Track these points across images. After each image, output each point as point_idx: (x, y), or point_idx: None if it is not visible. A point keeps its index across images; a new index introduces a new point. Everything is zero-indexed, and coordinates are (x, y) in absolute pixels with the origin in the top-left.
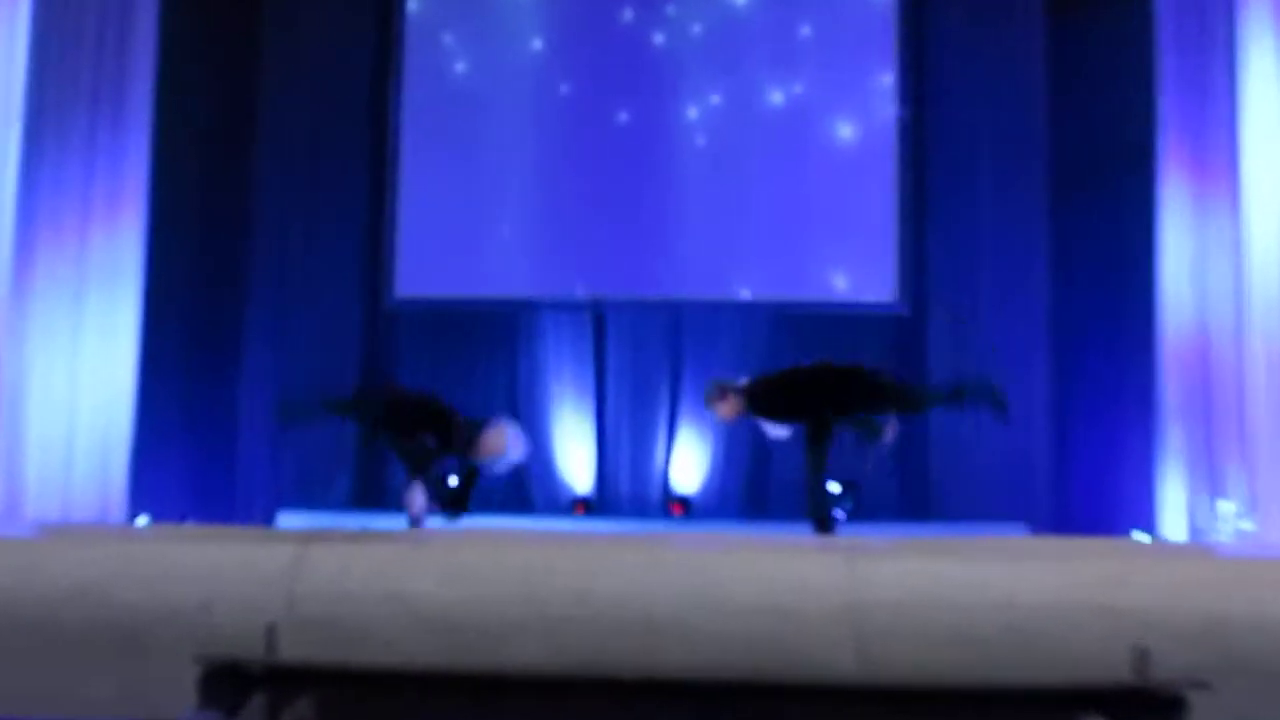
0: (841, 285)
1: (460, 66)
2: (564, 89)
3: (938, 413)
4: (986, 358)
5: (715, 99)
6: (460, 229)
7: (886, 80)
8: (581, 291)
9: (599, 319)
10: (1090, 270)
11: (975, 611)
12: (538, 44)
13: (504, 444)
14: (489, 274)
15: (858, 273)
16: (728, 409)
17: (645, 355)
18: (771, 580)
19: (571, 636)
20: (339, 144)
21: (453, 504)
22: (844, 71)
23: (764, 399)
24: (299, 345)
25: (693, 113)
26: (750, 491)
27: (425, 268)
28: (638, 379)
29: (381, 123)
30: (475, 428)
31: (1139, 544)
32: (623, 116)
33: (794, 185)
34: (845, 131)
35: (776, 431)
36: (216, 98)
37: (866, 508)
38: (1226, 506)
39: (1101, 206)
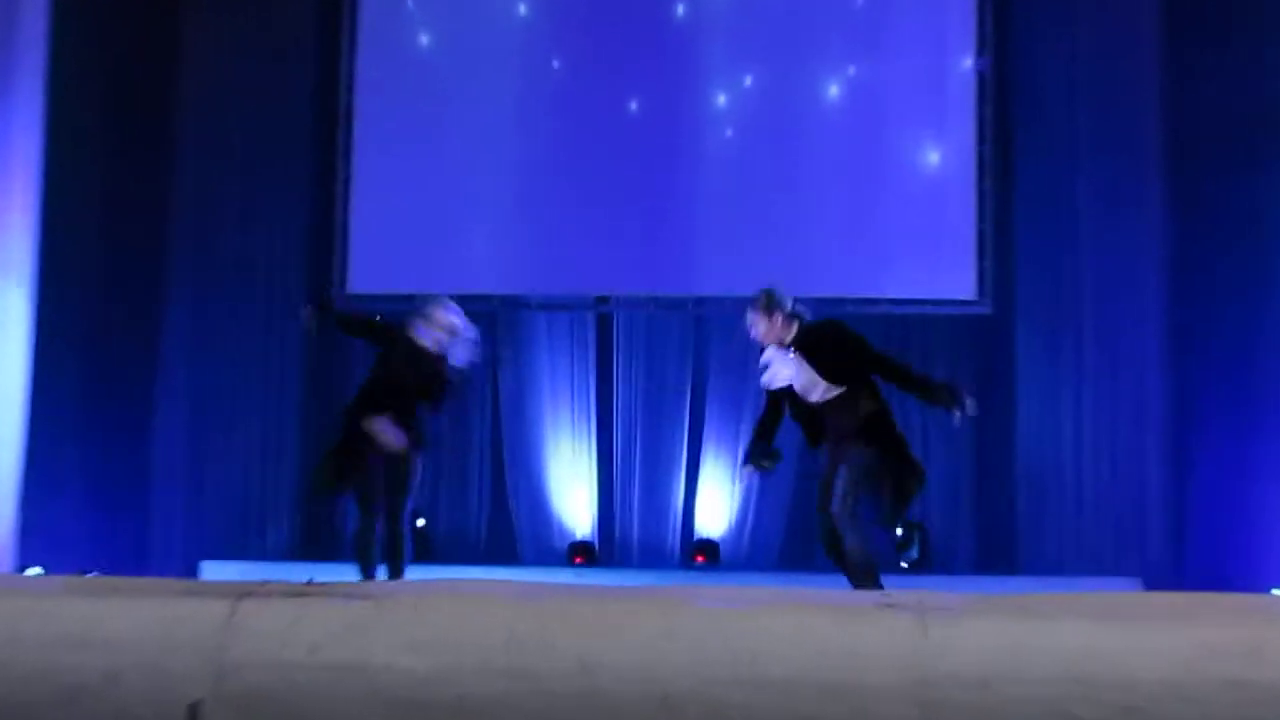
0: (913, 282)
1: (425, 37)
2: (556, 64)
3: (1025, 445)
4: (1082, 364)
5: (748, 80)
6: (424, 219)
7: (961, 32)
8: (582, 288)
9: (605, 320)
10: (1218, 262)
11: (1078, 688)
12: (522, 9)
13: (452, 318)
14: (461, 269)
15: (931, 268)
16: (769, 330)
17: (661, 365)
18: (819, 648)
19: (571, 717)
20: (278, 123)
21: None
22: (910, 33)
23: (817, 343)
24: (229, 357)
25: (721, 99)
26: (791, 536)
27: (381, 263)
28: (651, 394)
29: (330, 98)
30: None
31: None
32: (633, 104)
33: (847, 167)
34: (910, 99)
35: (808, 381)
36: (125, 66)
37: (938, 556)
38: None
39: (1231, 183)
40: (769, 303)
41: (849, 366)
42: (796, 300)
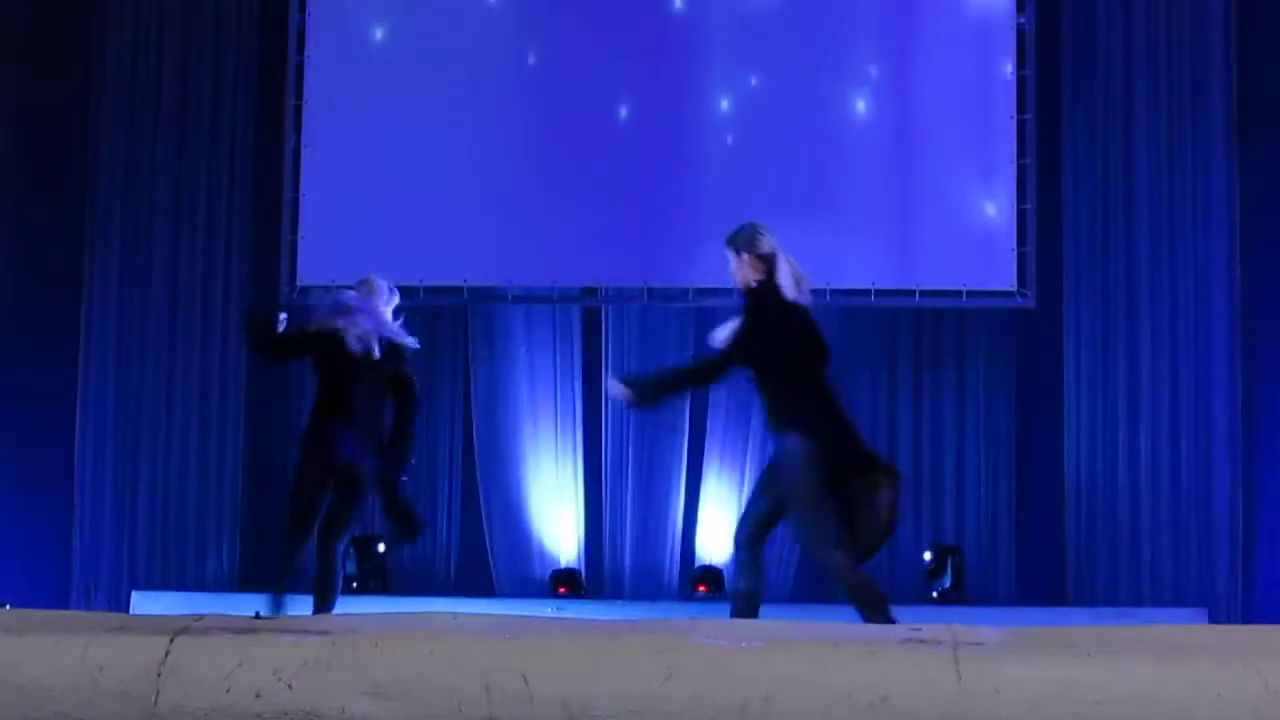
0: (945, 271)
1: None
2: (541, 36)
3: (1073, 458)
4: (1136, 363)
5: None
6: (383, 200)
7: None
8: (567, 278)
9: (592, 315)
10: None
11: None
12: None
13: (340, 300)
14: (425, 256)
15: (966, 255)
16: (735, 271)
17: (657, 364)
18: (839, 691)
19: None
20: (215, 92)
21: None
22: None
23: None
24: (160, 362)
25: (735, 73)
26: (805, 562)
27: (334, 251)
28: None
29: (276, 64)
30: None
31: None
32: (626, 74)
33: (871, 143)
34: (940, 63)
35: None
36: (39, 36)
37: (975, 584)
38: None
39: None
40: (733, 238)
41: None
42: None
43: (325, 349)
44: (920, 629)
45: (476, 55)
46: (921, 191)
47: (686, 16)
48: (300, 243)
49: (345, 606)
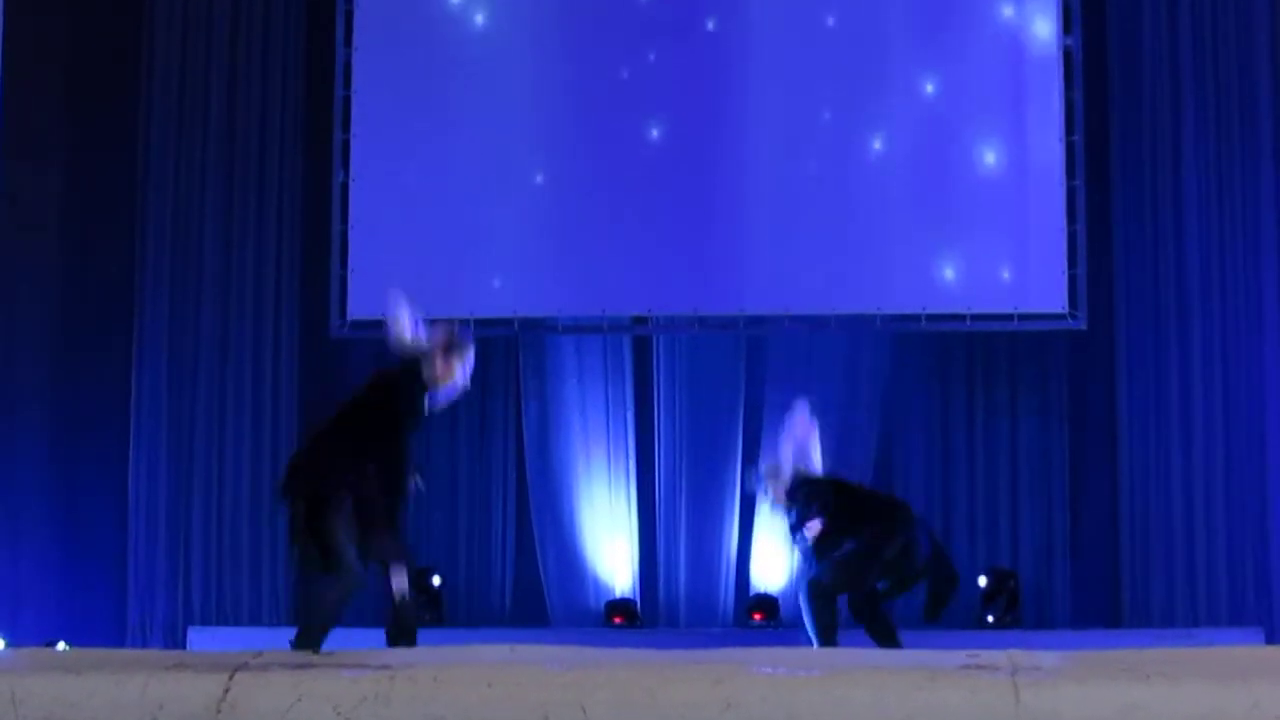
0: (994, 294)
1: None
2: (578, 88)
3: (1127, 479)
4: (1190, 384)
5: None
6: (433, 233)
7: (1044, 5)
8: (617, 307)
9: (642, 344)
10: None
11: None
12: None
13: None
14: (476, 289)
15: (1015, 277)
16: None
17: (708, 393)
18: (902, 716)
19: None
20: (264, 125)
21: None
22: (982, 9)
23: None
24: (213, 394)
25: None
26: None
27: (378, 285)
28: (698, 427)
29: (324, 95)
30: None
31: None
32: (668, 135)
33: (915, 166)
34: (985, 85)
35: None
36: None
37: (1030, 608)
38: None
39: None
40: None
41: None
42: None
43: None
44: (978, 655)
45: (522, 86)
46: (971, 215)
47: (732, 40)
48: (350, 276)
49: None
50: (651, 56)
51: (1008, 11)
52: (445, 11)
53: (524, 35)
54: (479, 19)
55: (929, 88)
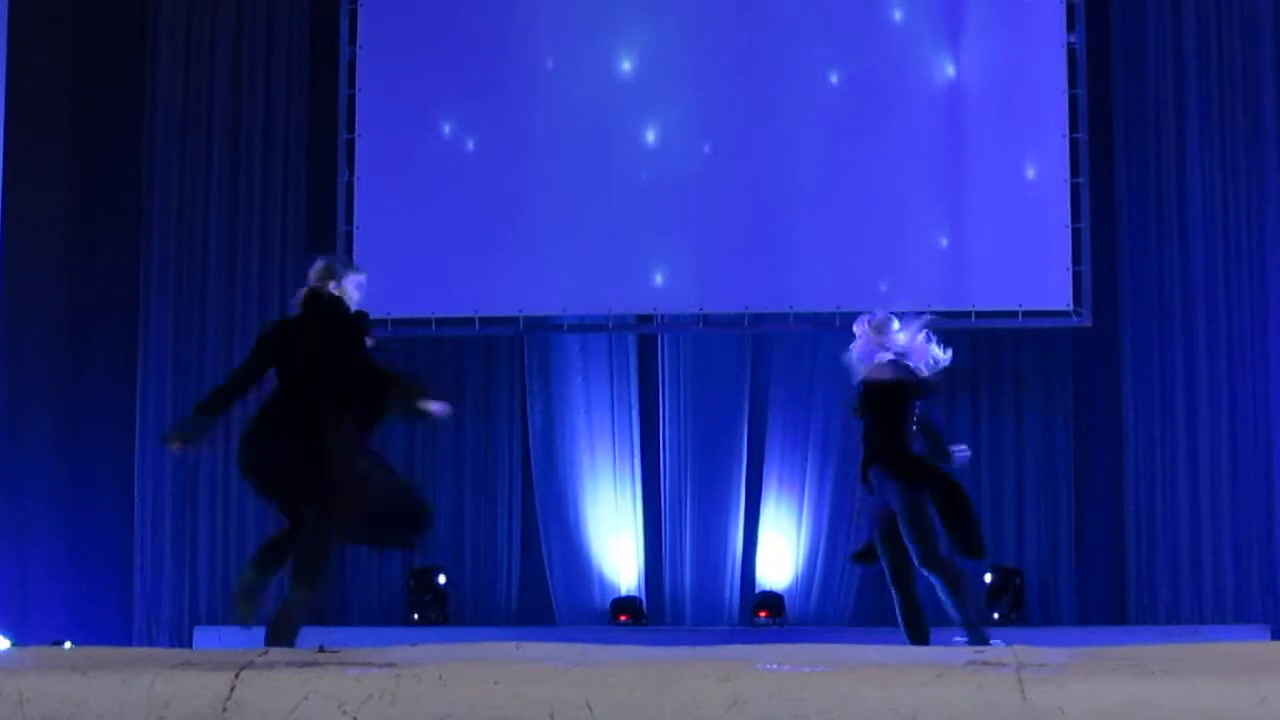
0: (998, 291)
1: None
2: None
3: (1133, 476)
4: (1196, 380)
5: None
6: (435, 231)
7: (1049, 3)
8: (621, 306)
9: (647, 343)
10: None
11: None
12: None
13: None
14: (479, 287)
15: (1020, 274)
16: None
17: (714, 392)
18: (907, 713)
19: None
20: (265, 123)
21: None
22: (987, 9)
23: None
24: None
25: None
26: (866, 586)
27: (385, 284)
28: (703, 426)
29: (329, 95)
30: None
31: None
32: (673, 135)
33: (921, 164)
34: (991, 84)
35: None
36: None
37: (1035, 606)
38: None
39: None
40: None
41: None
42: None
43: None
44: (984, 651)
45: (526, 86)
46: (975, 212)
47: (734, 38)
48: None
49: (406, 638)
50: (656, 54)
51: (1012, 10)
52: (451, 10)
53: (527, 34)
54: (484, 18)
55: (935, 90)
